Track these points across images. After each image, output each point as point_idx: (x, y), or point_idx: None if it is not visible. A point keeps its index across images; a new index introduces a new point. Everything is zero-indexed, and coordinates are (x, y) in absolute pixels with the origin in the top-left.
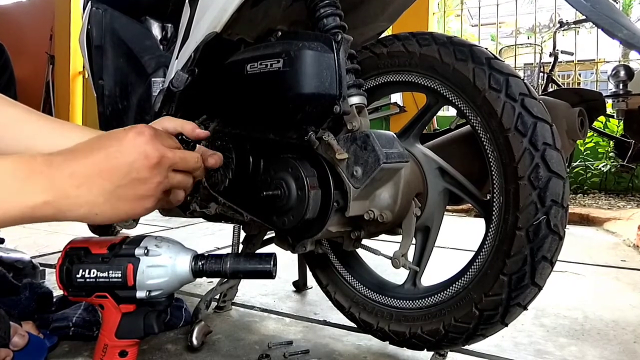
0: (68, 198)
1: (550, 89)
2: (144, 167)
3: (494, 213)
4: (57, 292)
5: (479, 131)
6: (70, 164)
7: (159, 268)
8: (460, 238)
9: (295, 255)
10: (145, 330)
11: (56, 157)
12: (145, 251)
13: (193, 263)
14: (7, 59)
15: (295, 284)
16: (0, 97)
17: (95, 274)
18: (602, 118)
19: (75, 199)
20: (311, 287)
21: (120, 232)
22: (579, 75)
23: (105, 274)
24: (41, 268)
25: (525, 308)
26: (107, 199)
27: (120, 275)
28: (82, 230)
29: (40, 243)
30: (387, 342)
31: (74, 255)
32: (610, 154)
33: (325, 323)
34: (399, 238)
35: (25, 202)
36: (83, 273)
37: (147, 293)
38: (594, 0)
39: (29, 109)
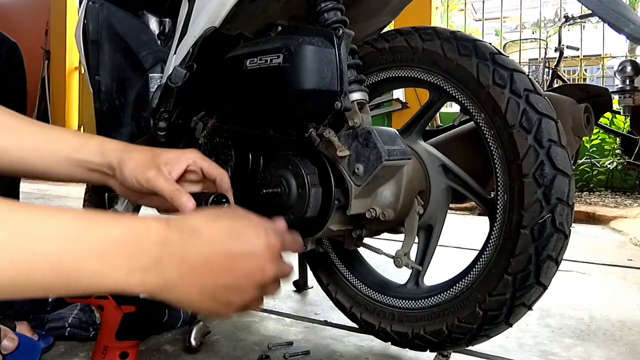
0: (164, 283)
1: (556, 85)
2: (254, 282)
3: (498, 211)
4: None
5: (482, 128)
6: (186, 249)
7: None
8: (463, 237)
9: (296, 254)
10: (146, 330)
11: (173, 234)
12: None
13: None
14: (21, 59)
15: (295, 283)
16: None
17: None
18: (608, 114)
19: (171, 287)
20: (312, 287)
21: None
22: (585, 70)
23: None
24: None
25: (530, 308)
26: (200, 294)
27: None
28: None
29: None
30: (389, 342)
31: None
32: (617, 151)
33: (326, 323)
34: (401, 237)
35: (121, 280)
36: None
37: None
38: None
39: (14, 114)
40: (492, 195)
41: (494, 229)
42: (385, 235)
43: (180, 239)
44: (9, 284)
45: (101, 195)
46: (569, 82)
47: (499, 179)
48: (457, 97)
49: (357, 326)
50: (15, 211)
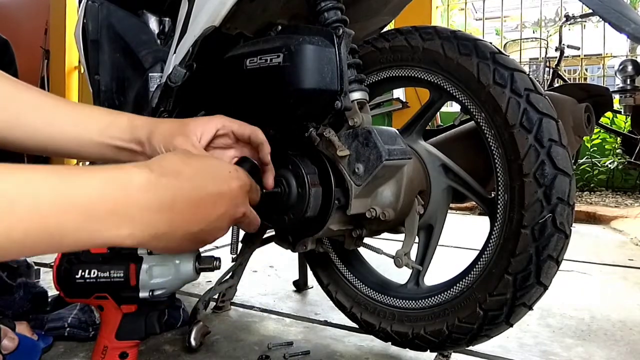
0: (154, 235)
1: (556, 84)
2: (228, 219)
3: (498, 211)
4: (52, 291)
5: (483, 127)
6: (174, 192)
7: (163, 267)
8: (464, 236)
9: (296, 254)
10: (146, 330)
11: (159, 177)
12: (148, 250)
13: (197, 262)
14: (12, 56)
15: (295, 283)
16: (15, 81)
17: (95, 274)
18: (609, 114)
19: (161, 236)
20: (312, 287)
21: None
22: (586, 70)
23: (107, 274)
24: (36, 267)
25: (530, 308)
26: (183, 239)
27: (122, 275)
28: None
29: None
30: (390, 343)
31: (72, 255)
32: (618, 151)
33: (326, 323)
34: (401, 237)
35: (111, 233)
36: (83, 273)
37: (150, 293)
38: None
39: (44, 92)
40: (493, 195)
41: (495, 228)
42: (385, 235)
43: (168, 182)
44: None
45: None
46: (569, 82)
47: (499, 179)
48: (457, 96)
49: (357, 326)
50: None
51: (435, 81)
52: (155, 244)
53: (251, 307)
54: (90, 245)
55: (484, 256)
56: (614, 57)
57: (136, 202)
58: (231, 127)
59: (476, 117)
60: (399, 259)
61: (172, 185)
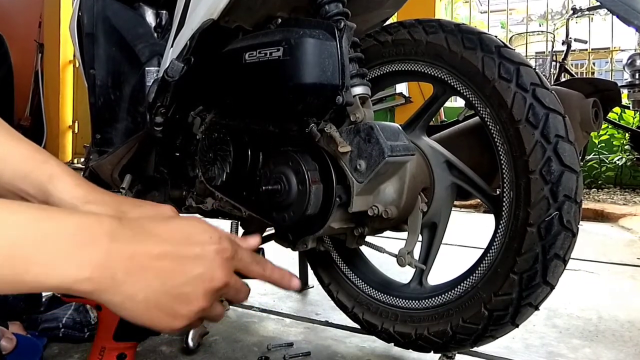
0: (112, 280)
1: (563, 79)
2: (202, 290)
3: (504, 209)
4: None
5: (488, 123)
6: (136, 246)
7: None
8: (468, 235)
9: (296, 253)
10: (145, 331)
11: (124, 230)
12: None
13: None
14: (6, 51)
15: None
16: None
17: None
18: (617, 109)
19: (118, 284)
20: (312, 286)
21: None
22: (593, 64)
23: None
24: None
25: (536, 308)
26: (145, 299)
27: None
28: None
29: None
30: (392, 343)
31: None
32: (626, 147)
33: (327, 324)
34: (404, 235)
35: (70, 272)
36: None
37: None
38: None
39: None
40: (498, 192)
41: (500, 226)
42: (388, 233)
43: (131, 235)
44: None
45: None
46: (576, 76)
47: (504, 176)
48: (461, 91)
49: (359, 327)
50: None
51: (439, 75)
52: (112, 295)
53: (250, 307)
54: (50, 284)
55: (489, 255)
56: (622, 50)
57: (99, 245)
58: None
59: (481, 112)
60: (401, 258)
61: (134, 238)
